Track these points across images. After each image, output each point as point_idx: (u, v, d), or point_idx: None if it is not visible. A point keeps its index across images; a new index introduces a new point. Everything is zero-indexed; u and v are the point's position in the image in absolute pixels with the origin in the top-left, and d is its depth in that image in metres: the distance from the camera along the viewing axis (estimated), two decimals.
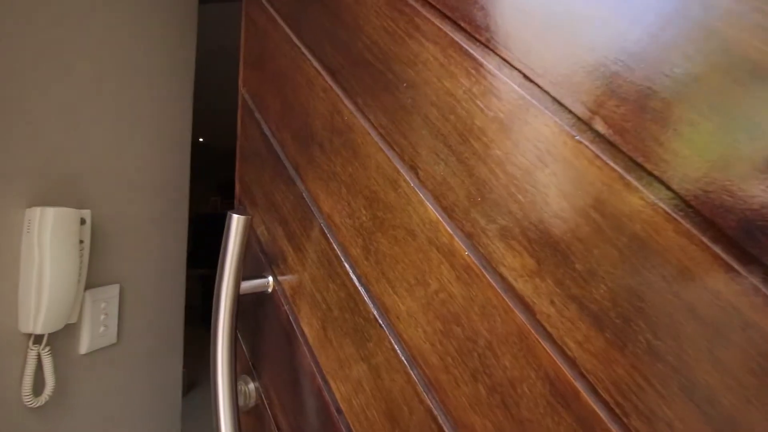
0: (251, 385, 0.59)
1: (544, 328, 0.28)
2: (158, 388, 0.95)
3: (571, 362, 0.27)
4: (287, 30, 0.57)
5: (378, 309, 0.41)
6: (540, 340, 0.28)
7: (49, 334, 0.66)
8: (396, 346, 0.38)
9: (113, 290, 0.82)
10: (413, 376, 0.36)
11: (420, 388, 0.36)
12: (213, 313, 0.50)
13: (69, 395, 0.73)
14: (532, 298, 0.29)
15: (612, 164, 0.27)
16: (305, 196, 0.51)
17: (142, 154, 0.90)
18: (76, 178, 0.75)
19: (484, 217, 0.32)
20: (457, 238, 0.34)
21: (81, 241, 0.71)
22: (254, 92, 0.65)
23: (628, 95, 0.26)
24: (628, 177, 0.26)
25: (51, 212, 0.64)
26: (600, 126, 0.27)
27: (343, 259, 0.45)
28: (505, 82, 0.32)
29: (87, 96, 0.78)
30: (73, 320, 0.72)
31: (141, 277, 0.90)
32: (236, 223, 0.50)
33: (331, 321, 0.46)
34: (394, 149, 0.40)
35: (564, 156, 0.28)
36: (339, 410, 0.44)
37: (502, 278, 0.31)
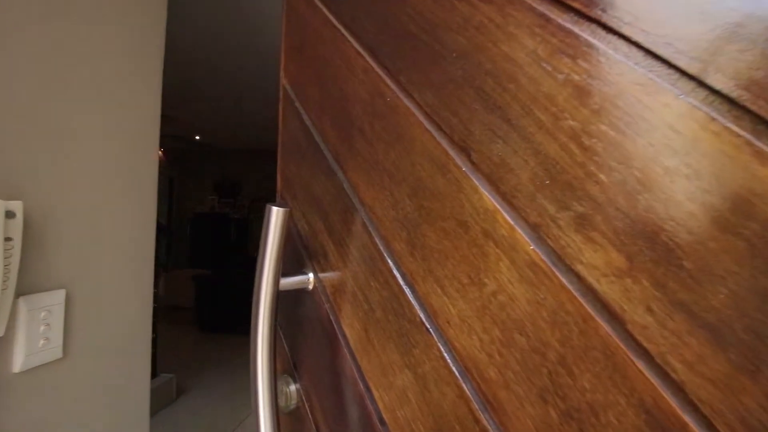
0: (293, 387, 0.57)
1: (639, 343, 0.22)
2: (119, 408, 0.81)
3: (677, 388, 0.21)
4: (326, 12, 0.54)
5: (425, 311, 0.36)
6: (632, 358, 0.22)
7: None
8: (446, 355, 0.33)
9: (57, 296, 0.68)
10: (466, 390, 0.31)
11: (475, 405, 0.31)
12: (252, 310, 0.48)
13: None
14: (620, 304, 0.23)
15: (735, 128, 0.20)
16: (346, 187, 0.48)
17: (94, 139, 0.74)
18: (3, 162, 0.61)
19: (554, 204, 0.26)
20: (519, 230, 0.28)
21: (9, 239, 0.59)
22: (294, 82, 0.62)
23: (758, 35, 0.20)
24: (759, 144, 0.19)
25: None
26: (716, 80, 0.21)
27: (385, 255, 0.41)
28: (580, 36, 0.26)
29: (25, 65, 0.62)
30: (0, 333, 0.60)
31: (94, 280, 0.75)
32: (275, 215, 0.47)
33: (373, 323, 0.42)
34: (442, 129, 0.35)
35: (665, 121, 0.22)
36: (382, 421, 0.40)
37: (579, 278, 0.25)
